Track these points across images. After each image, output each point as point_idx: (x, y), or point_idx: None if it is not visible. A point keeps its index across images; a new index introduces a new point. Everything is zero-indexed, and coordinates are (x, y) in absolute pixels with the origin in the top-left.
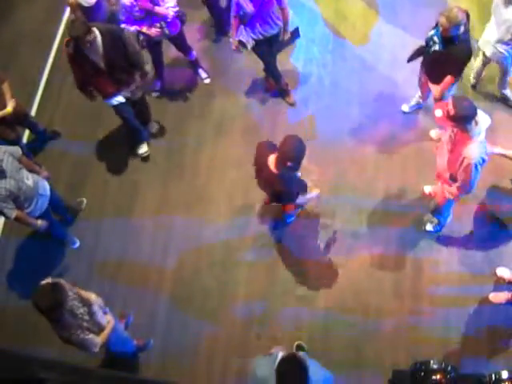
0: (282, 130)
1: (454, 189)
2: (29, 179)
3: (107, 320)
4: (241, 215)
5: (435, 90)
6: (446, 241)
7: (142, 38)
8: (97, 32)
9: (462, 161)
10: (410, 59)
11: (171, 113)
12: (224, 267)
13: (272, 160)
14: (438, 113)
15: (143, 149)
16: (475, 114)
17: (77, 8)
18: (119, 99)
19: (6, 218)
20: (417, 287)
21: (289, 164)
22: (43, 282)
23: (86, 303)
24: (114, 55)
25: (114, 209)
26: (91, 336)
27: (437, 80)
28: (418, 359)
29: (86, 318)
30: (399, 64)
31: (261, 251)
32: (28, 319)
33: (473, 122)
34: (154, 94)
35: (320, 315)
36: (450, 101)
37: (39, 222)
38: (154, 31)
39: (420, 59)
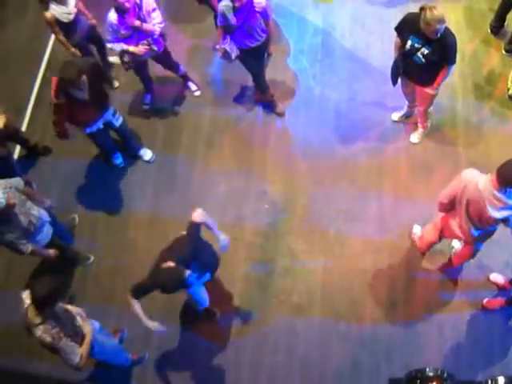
0: (272, 140)
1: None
2: (34, 209)
3: (86, 330)
4: (233, 227)
5: (430, 89)
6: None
7: (127, 58)
8: (84, 76)
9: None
10: (395, 81)
11: (162, 126)
12: (217, 278)
13: None
14: None
15: (148, 155)
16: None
17: (55, 25)
18: (99, 125)
19: (21, 253)
20: (411, 295)
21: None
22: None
23: (69, 315)
24: (97, 87)
25: (106, 223)
26: (73, 344)
27: (430, 80)
28: (414, 367)
29: (69, 326)
30: (388, 73)
31: (254, 263)
32: (21, 334)
33: (505, 190)
34: (145, 107)
35: (315, 325)
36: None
37: (51, 251)
38: (142, 49)
39: None
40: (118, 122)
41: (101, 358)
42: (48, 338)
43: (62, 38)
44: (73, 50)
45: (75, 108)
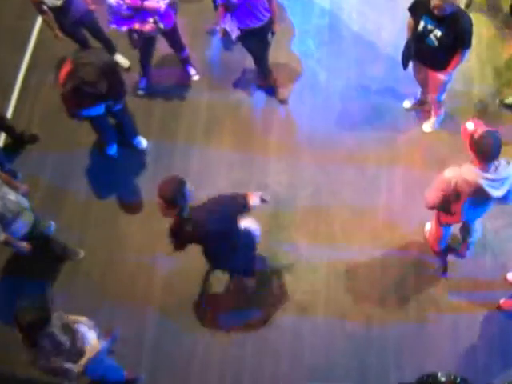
0: (274, 128)
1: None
2: (11, 194)
3: (92, 345)
4: None
5: (442, 74)
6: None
7: (135, 36)
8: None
9: None
10: (406, 64)
11: (158, 113)
12: (216, 274)
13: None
14: (470, 125)
15: (143, 143)
16: (494, 156)
17: (40, 4)
18: (100, 110)
19: None
20: (422, 294)
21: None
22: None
23: (70, 330)
24: (108, 82)
25: (98, 216)
26: (69, 365)
27: (444, 65)
28: (426, 371)
29: (67, 346)
30: (400, 58)
31: (256, 258)
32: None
33: (491, 165)
34: (140, 93)
35: (320, 326)
36: (481, 127)
37: (25, 244)
38: (148, 27)
39: None
40: (118, 106)
41: (94, 376)
42: (41, 361)
43: (46, 17)
44: (57, 32)
45: (81, 94)
